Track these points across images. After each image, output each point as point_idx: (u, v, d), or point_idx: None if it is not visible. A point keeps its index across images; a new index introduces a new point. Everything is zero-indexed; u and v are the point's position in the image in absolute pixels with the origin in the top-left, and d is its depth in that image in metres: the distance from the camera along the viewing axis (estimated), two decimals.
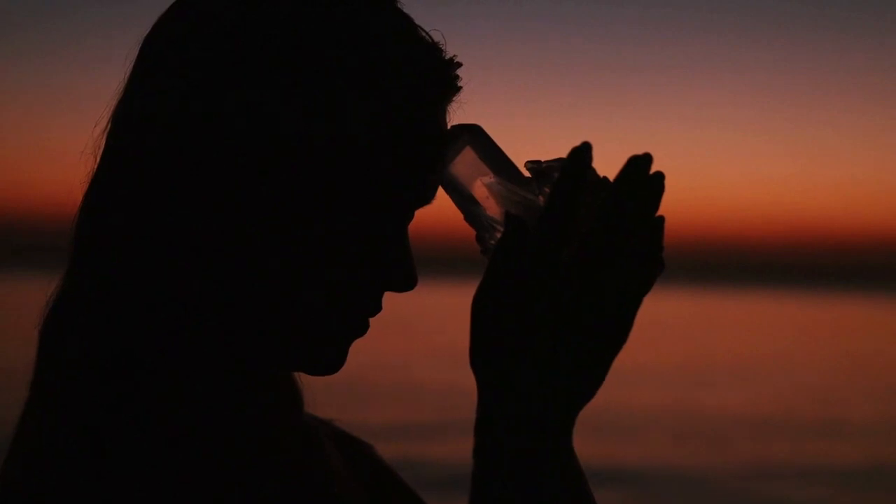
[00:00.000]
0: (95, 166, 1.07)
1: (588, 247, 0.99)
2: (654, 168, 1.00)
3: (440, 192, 1.10)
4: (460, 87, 1.09)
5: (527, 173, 1.05)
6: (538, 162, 1.04)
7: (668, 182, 1.00)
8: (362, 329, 1.09)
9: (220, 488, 1.01)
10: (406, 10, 1.10)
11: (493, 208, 1.05)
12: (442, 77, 1.07)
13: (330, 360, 1.08)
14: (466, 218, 1.07)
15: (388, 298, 1.09)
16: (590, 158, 1.00)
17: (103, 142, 1.07)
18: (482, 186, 1.05)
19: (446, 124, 1.09)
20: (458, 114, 1.11)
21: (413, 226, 1.11)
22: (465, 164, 1.05)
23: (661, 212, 1.02)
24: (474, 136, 1.06)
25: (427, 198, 1.09)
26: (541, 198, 1.03)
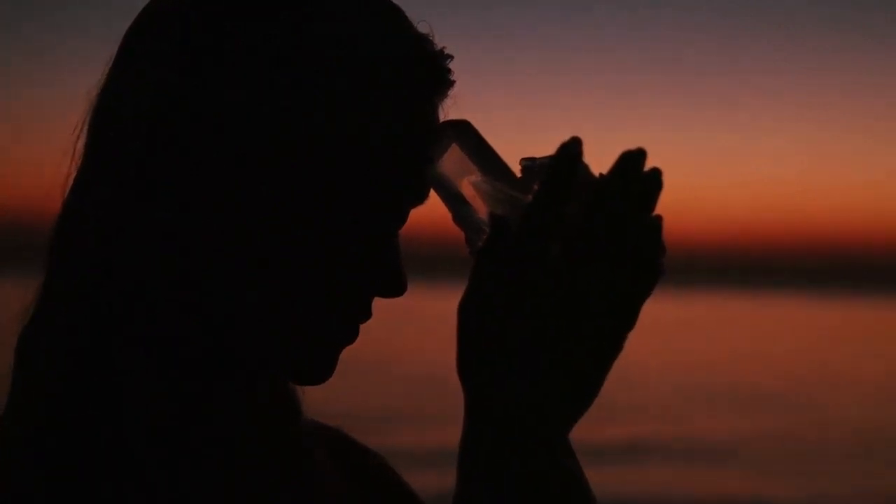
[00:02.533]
0: (77, 166, 1.03)
1: (574, 247, 0.94)
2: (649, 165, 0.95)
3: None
4: (453, 81, 1.05)
5: (519, 172, 1.00)
6: (532, 159, 0.99)
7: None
8: (353, 336, 1.05)
9: (199, 492, 0.98)
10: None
11: (481, 208, 1.00)
12: (434, 70, 1.03)
13: (322, 368, 1.05)
14: (455, 219, 1.02)
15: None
16: (579, 153, 0.95)
17: (83, 140, 1.03)
18: (469, 185, 1.00)
19: (437, 119, 1.04)
20: (452, 110, 1.06)
21: (408, 225, 1.07)
22: (452, 161, 1.00)
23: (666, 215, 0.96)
24: (461, 132, 1.01)
25: (419, 197, 1.05)
26: (530, 197, 0.97)
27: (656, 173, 0.94)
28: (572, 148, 0.95)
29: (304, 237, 0.99)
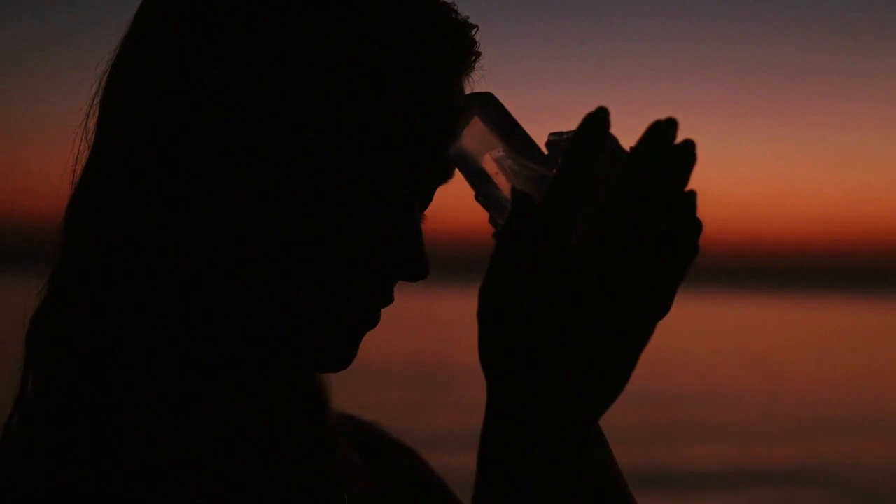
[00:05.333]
0: (86, 158, 1.00)
1: (602, 225, 0.86)
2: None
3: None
4: (479, 53, 1.00)
5: (545, 147, 0.94)
6: (560, 133, 0.92)
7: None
8: (372, 321, 1.00)
9: (212, 494, 0.95)
10: None
11: (504, 185, 0.93)
12: (456, 41, 0.98)
13: (338, 355, 1.00)
14: (477, 196, 0.96)
15: None
16: (606, 124, 0.88)
17: (94, 130, 1.00)
18: (491, 161, 0.94)
19: (462, 93, 0.99)
20: (479, 84, 1.01)
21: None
22: (474, 136, 0.94)
23: None
24: (484, 105, 0.95)
25: (443, 176, 1.00)
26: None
27: (689, 145, 0.86)
28: (598, 118, 0.87)
29: (318, 222, 0.95)
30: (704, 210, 0.88)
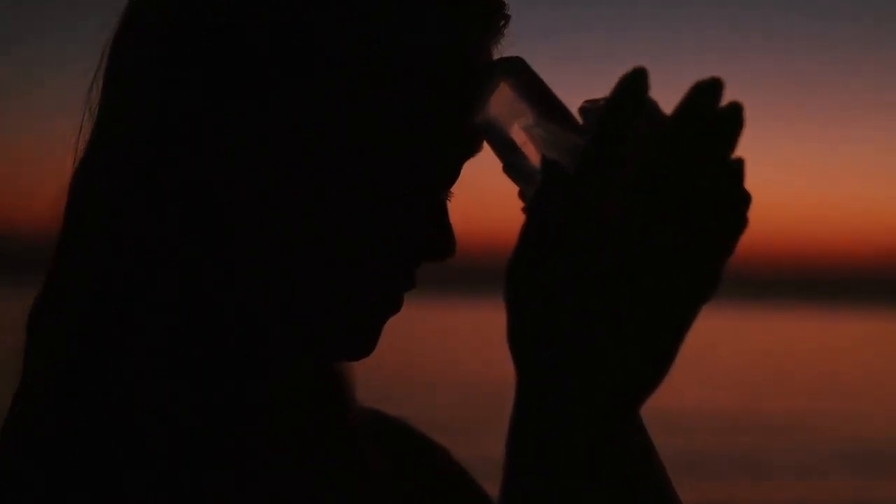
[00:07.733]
0: (89, 138, 0.94)
1: (629, 201, 0.78)
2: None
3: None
4: (508, 16, 0.93)
5: (579, 116, 0.87)
6: (595, 101, 0.85)
7: None
8: (397, 306, 0.94)
9: (217, 492, 0.90)
10: None
11: (534, 155, 0.86)
12: (484, 4, 0.91)
13: (366, 342, 0.94)
14: (505, 168, 0.89)
15: None
16: (644, 87, 0.80)
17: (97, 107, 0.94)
18: (520, 130, 0.87)
19: (489, 59, 0.92)
20: (509, 52, 0.94)
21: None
22: (501, 103, 0.87)
23: None
24: (513, 70, 0.88)
25: (470, 149, 0.93)
26: None
27: (736, 108, 0.78)
28: (635, 80, 0.80)
29: (335, 205, 0.89)
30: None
